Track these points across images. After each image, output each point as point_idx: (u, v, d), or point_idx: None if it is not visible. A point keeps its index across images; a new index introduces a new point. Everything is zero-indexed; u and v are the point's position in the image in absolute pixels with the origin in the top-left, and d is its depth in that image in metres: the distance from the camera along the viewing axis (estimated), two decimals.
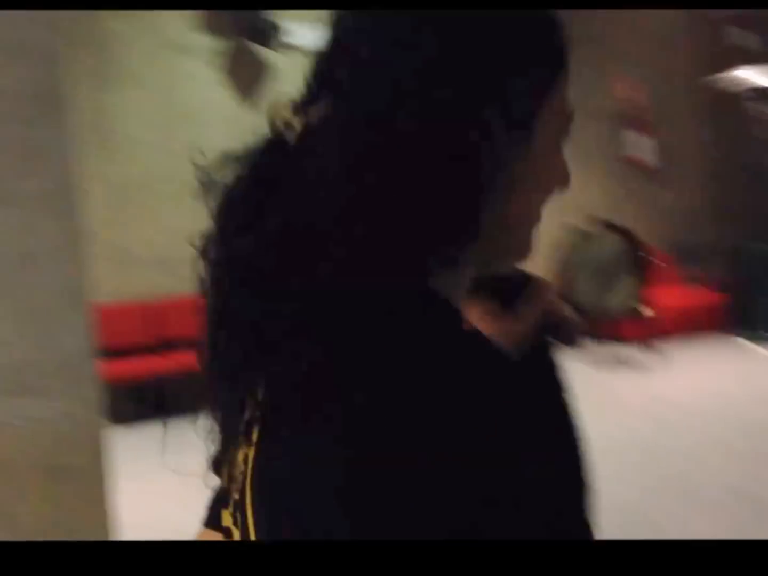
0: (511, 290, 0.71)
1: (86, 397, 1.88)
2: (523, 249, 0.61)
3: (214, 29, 5.85)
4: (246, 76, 5.98)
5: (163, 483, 3.76)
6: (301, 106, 0.56)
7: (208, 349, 0.58)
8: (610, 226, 2.29)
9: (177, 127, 5.97)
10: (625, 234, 2.27)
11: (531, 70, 0.55)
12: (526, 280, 0.72)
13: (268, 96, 6.13)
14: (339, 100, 0.53)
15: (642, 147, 7.71)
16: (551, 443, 0.49)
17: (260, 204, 0.54)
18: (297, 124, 0.55)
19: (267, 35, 5.98)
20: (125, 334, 5.62)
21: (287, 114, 0.56)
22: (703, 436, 4.49)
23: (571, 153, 0.64)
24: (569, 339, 1.71)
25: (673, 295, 6.84)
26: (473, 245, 0.53)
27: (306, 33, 6.30)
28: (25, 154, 1.77)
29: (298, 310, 0.50)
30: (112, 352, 5.32)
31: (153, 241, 5.88)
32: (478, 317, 0.68)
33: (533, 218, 0.60)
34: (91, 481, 1.91)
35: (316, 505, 0.48)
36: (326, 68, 0.56)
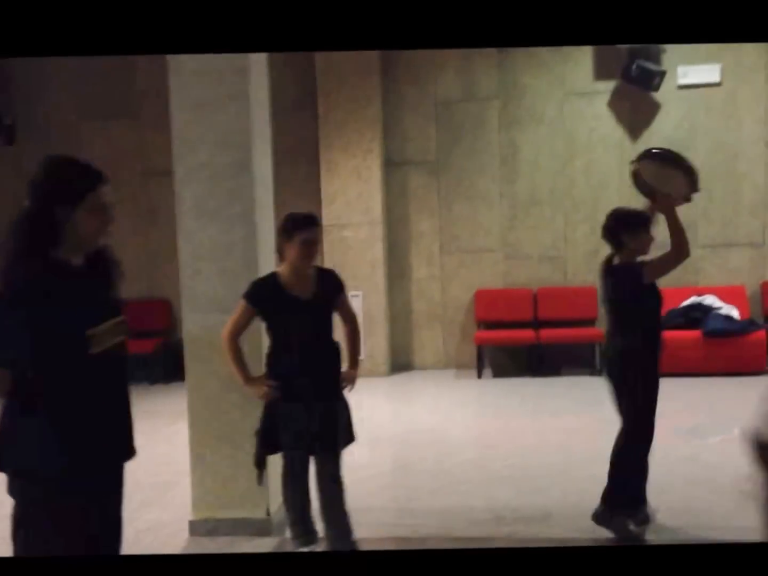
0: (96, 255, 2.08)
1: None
2: (89, 242, 2.03)
3: (607, 76, 7.16)
4: (631, 114, 7.17)
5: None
6: None
7: None
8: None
9: (572, 156, 7.43)
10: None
11: (69, 194, 1.98)
12: (104, 251, 2.11)
13: (651, 131, 7.31)
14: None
15: None
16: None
17: None
18: None
19: (652, 79, 7.06)
20: (508, 312, 7.32)
21: None
22: None
23: None
24: None
25: None
26: (62, 242, 1.98)
27: (691, 73, 7.18)
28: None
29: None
30: (496, 324, 7.16)
31: (538, 242, 7.56)
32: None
33: (93, 234, 2.03)
34: None
35: None
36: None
